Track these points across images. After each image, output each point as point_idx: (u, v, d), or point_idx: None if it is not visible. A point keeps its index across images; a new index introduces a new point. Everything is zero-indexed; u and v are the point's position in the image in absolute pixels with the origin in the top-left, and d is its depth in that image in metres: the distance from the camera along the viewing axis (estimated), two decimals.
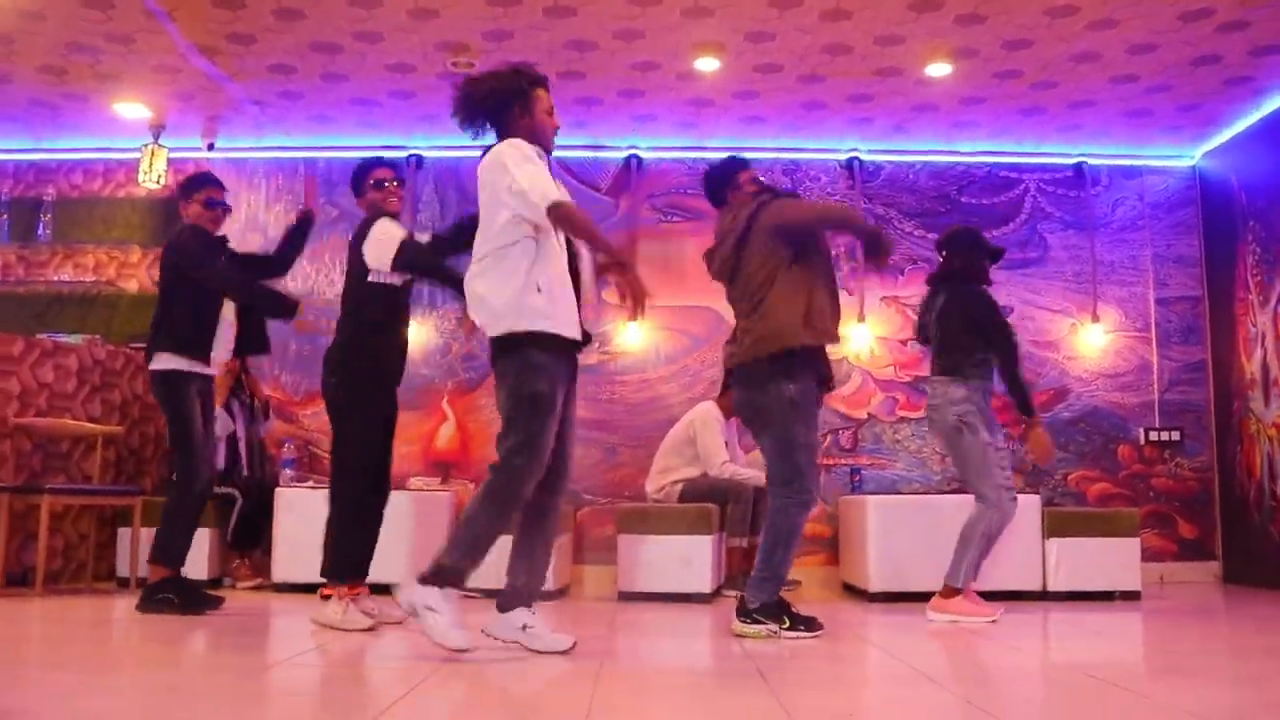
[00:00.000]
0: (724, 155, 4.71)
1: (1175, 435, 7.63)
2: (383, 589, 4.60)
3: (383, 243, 4.53)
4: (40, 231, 7.74)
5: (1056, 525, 6.24)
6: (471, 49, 6.31)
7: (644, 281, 3.62)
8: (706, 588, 6.02)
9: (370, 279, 4.57)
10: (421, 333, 7.44)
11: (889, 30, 6.07)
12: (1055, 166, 7.91)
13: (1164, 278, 7.83)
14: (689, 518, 6.13)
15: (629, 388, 7.65)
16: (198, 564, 6.00)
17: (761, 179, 4.71)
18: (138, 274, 7.78)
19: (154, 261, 7.71)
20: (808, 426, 4.36)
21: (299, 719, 2.73)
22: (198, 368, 5.02)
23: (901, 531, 6.07)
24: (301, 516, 6.16)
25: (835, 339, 4.43)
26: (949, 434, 5.13)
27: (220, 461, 6.40)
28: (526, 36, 6.16)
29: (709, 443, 6.54)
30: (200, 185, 5.21)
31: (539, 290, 3.60)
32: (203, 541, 6.16)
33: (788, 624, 4.27)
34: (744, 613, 4.34)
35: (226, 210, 5.26)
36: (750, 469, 6.43)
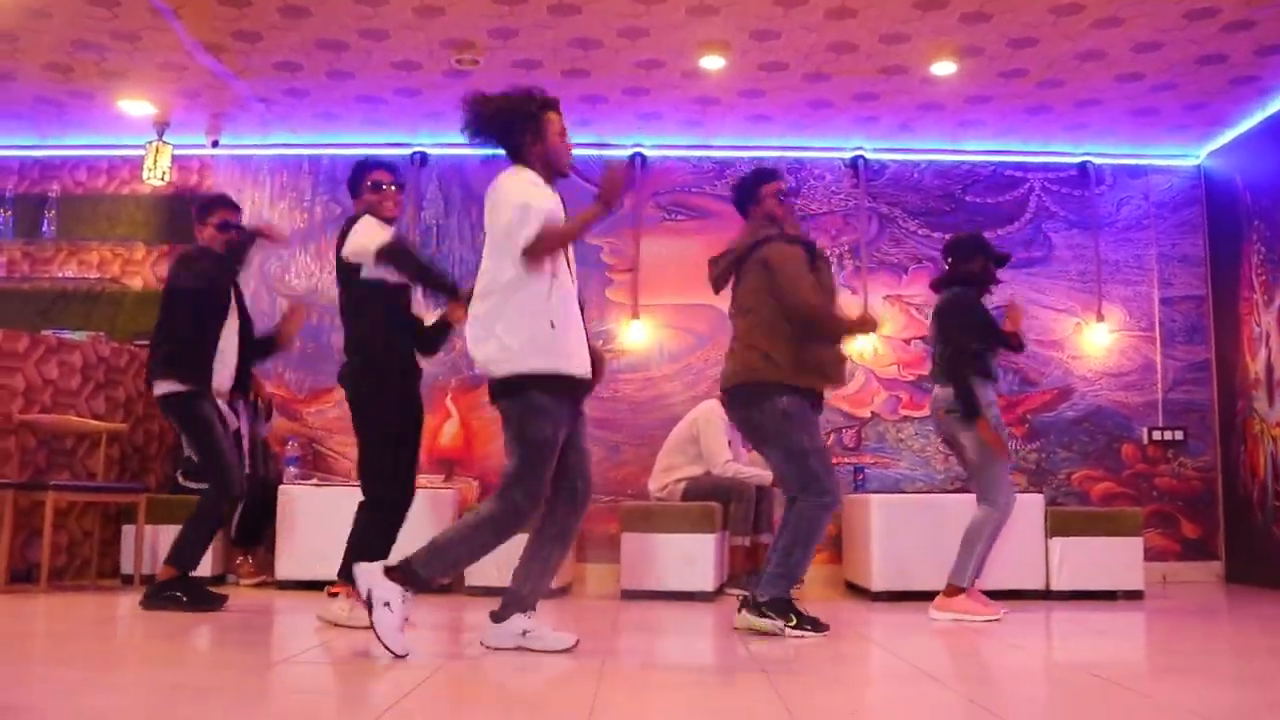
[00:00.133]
0: (730, 155, 4.73)
1: (1179, 435, 7.62)
2: None
3: (369, 234, 4.43)
4: (45, 228, 7.75)
5: (1059, 524, 6.24)
6: (476, 46, 6.31)
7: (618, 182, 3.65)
8: (709, 586, 6.02)
9: (364, 275, 4.46)
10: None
11: (894, 29, 6.07)
12: (1060, 165, 7.90)
13: (1168, 277, 7.82)
14: (692, 516, 6.13)
15: (632, 386, 7.65)
16: (201, 561, 6.00)
17: (783, 192, 4.64)
18: (142, 271, 7.79)
19: (159, 258, 7.73)
20: (808, 433, 4.40)
21: (302, 716, 2.73)
22: (203, 385, 5.04)
23: (905, 531, 6.07)
24: (304, 514, 6.19)
25: (812, 379, 4.43)
26: (951, 435, 5.16)
27: None
28: (531, 34, 6.16)
29: (712, 441, 6.54)
30: (215, 208, 5.23)
31: (553, 327, 3.59)
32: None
33: (794, 622, 4.28)
34: (753, 605, 4.35)
35: (238, 232, 5.20)
36: (753, 468, 6.42)
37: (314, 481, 6.75)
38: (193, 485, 6.21)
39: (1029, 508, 6.22)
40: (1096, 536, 6.20)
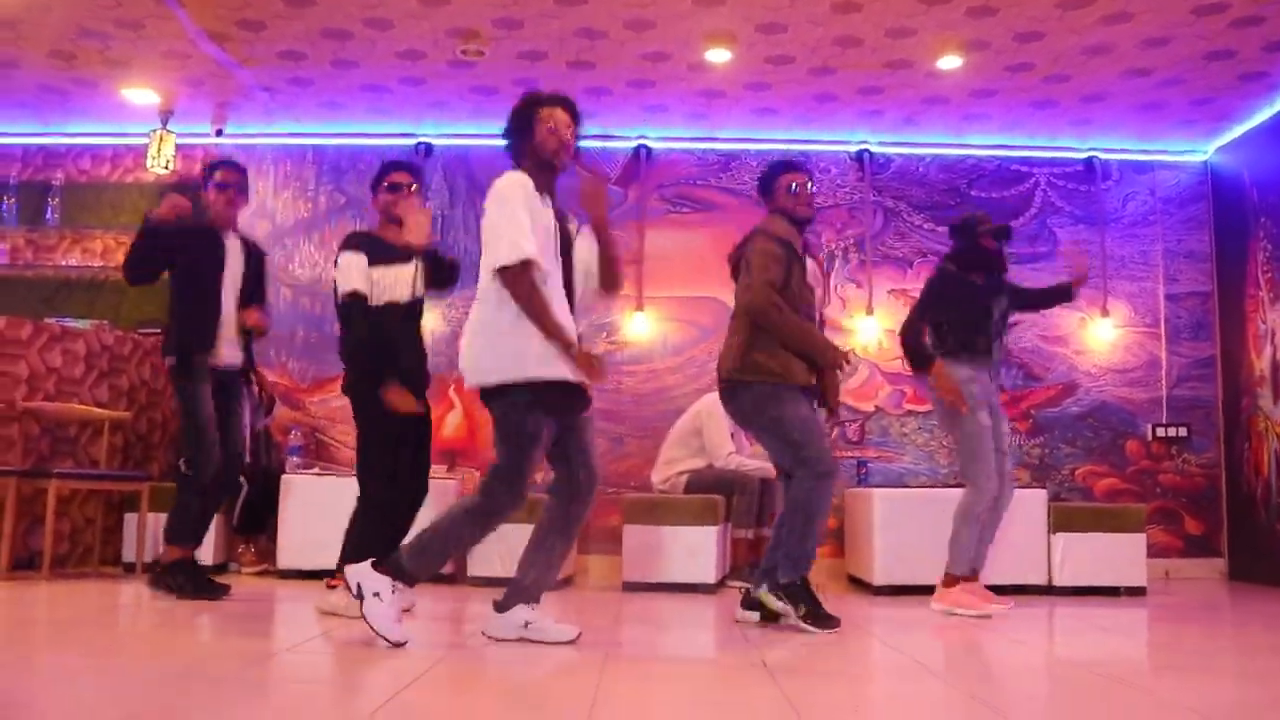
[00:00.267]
0: (735, 148, 4.70)
1: (1183, 431, 7.61)
2: None
3: (345, 276, 4.51)
4: (49, 216, 7.75)
5: (1063, 520, 6.23)
6: (482, 36, 6.30)
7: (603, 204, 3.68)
8: (711, 579, 6.02)
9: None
10: (428, 320, 7.39)
11: (900, 23, 6.05)
12: (1066, 160, 7.89)
13: (1174, 273, 7.81)
14: (694, 508, 6.13)
15: (636, 378, 7.64)
16: (203, 549, 6.01)
17: (797, 184, 4.55)
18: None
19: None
20: (790, 408, 4.33)
21: (303, 706, 2.73)
22: (201, 358, 5.01)
23: (907, 525, 6.06)
24: (307, 503, 6.19)
25: (795, 375, 4.37)
26: (944, 414, 5.22)
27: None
28: (537, 25, 6.15)
29: (715, 434, 6.54)
30: (213, 168, 5.20)
31: (532, 336, 3.59)
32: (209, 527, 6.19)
33: (804, 612, 4.26)
34: (771, 584, 4.35)
35: (236, 192, 5.14)
36: (756, 460, 6.42)
37: (316, 471, 6.76)
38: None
39: (1032, 503, 6.22)
40: (1100, 532, 6.20)
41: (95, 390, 6.47)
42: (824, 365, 4.36)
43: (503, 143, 3.84)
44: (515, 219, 3.57)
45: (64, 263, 7.77)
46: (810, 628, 4.23)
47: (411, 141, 7.71)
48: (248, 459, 6.60)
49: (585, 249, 3.85)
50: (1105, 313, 7.70)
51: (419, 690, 2.84)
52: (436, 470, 6.86)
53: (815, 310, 4.59)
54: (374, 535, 4.45)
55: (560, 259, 3.75)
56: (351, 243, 4.59)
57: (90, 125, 7.73)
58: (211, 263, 5.07)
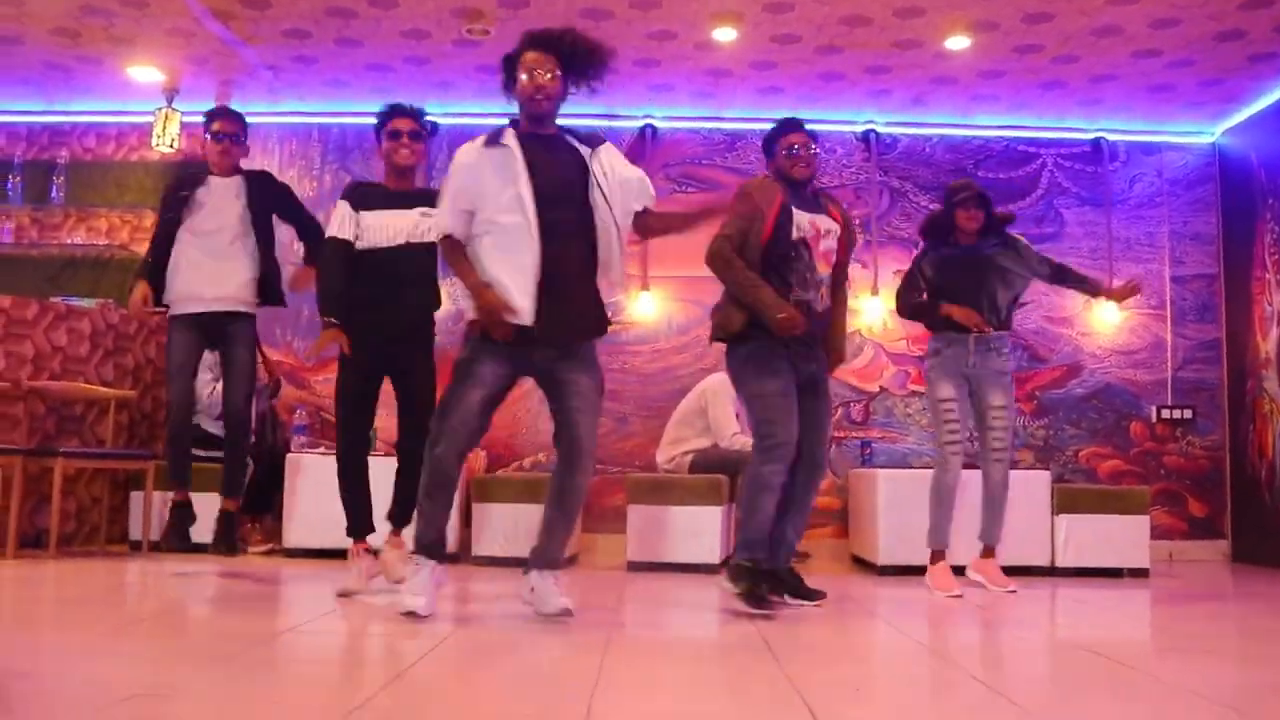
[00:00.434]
0: (741, 127, 4.67)
1: (1188, 413, 7.60)
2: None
3: (332, 222, 4.58)
4: (54, 194, 7.73)
5: (1066, 501, 6.24)
6: (486, 15, 6.27)
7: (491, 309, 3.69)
8: (715, 559, 6.03)
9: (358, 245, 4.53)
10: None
11: (908, 2, 6.01)
12: (1073, 141, 7.85)
13: (1180, 255, 7.78)
14: (699, 489, 6.14)
15: (641, 358, 7.64)
16: (210, 529, 6.03)
17: (795, 147, 4.55)
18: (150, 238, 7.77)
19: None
20: (762, 378, 4.29)
21: (309, 685, 2.74)
22: (175, 308, 5.04)
23: (911, 505, 6.03)
24: (312, 482, 6.19)
25: (723, 327, 4.38)
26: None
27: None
28: (542, 4, 6.11)
29: (720, 414, 6.54)
30: (210, 118, 5.19)
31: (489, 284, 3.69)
32: (215, 506, 6.20)
33: (740, 590, 4.17)
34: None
35: (231, 141, 5.12)
36: None
37: (321, 450, 6.76)
38: (200, 453, 6.23)
39: (1036, 484, 6.23)
40: (1103, 514, 6.20)
41: (101, 369, 6.48)
42: (770, 327, 4.21)
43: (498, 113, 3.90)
44: (444, 198, 3.85)
45: (69, 241, 7.76)
46: (743, 605, 4.16)
47: None
48: (254, 438, 6.66)
49: (619, 187, 3.86)
50: None
51: (423, 670, 2.86)
52: None
53: (810, 269, 4.37)
54: (343, 496, 4.59)
55: (563, 199, 3.77)
56: (344, 192, 4.67)
57: (95, 103, 7.72)
58: (184, 209, 5.07)
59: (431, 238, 4.20)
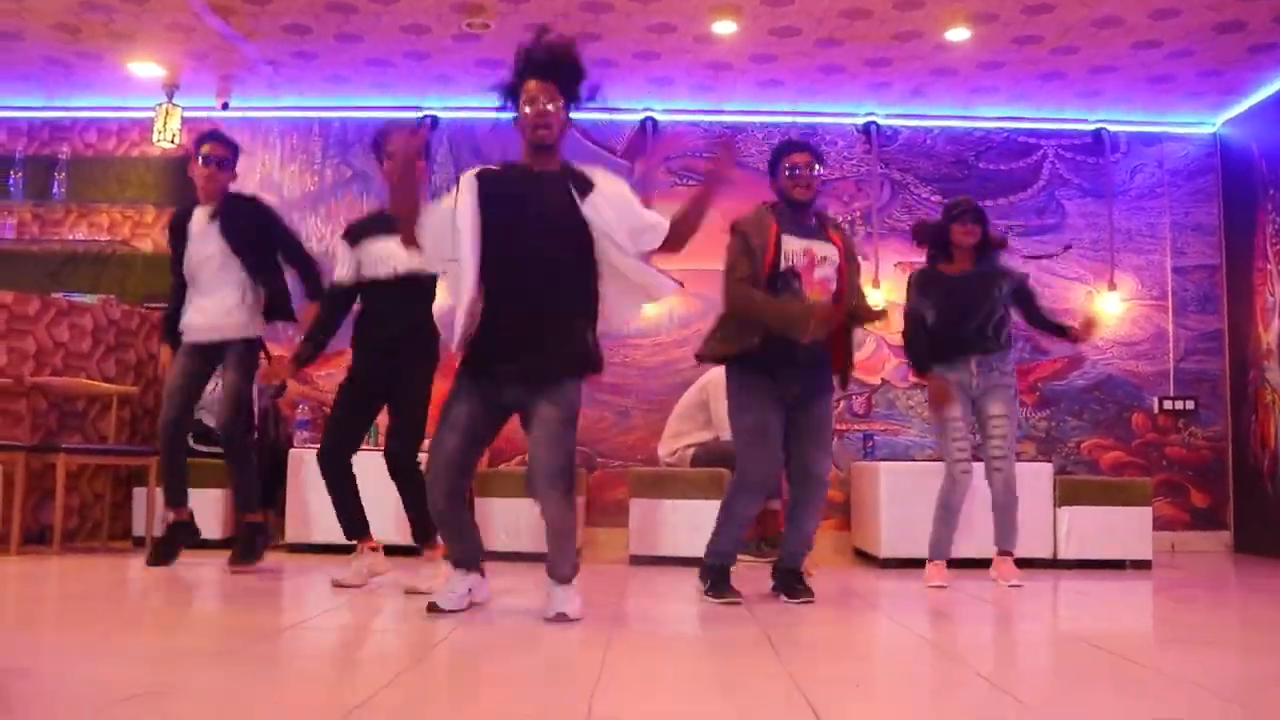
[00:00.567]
0: (741, 120, 4.66)
1: (1190, 404, 7.60)
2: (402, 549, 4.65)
3: (338, 264, 4.69)
4: (55, 190, 7.74)
5: (1069, 493, 6.24)
6: (486, 10, 6.26)
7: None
8: None
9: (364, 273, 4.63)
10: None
11: None
12: (1074, 132, 7.84)
13: (1182, 246, 7.78)
14: (701, 482, 6.14)
15: (642, 351, 7.64)
16: (211, 524, 6.06)
17: (796, 170, 4.40)
18: (152, 233, 7.79)
19: (169, 221, 7.72)
20: (743, 408, 4.36)
21: (311, 682, 2.75)
22: (187, 336, 5.12)
23: (913, 498, 6.05)
24: (315, 478, 6.16)
25: (746, 342, 4.31)
26: None
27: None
28: None
29: (721, 407, 6.46)
30: (199, 141, 5.16)
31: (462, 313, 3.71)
32: (216, 502, 6.24)
33: (705, 586, 4.43)
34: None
35: (218, 167, 5.09)
36: None
37: None
38: (203, 449, 6.25)
39: (1038, 476, 6.22)
40: (1105, 505, 6.21)
41: (103, 365, 6.48)
42: (797, 337, 4.20)
43: (508, 115, 3.83)
44: (426, 234, 3.75)
45: (71, 237, 7.77)
46: (707, 597, 4.36)
47: (417, 115, 7.69)
48: (256, 435, 6.66)
49: (604, 214, 3.77)
50: (1112, 286, 7.68)
51: (425, 668, 2.86)
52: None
53: (797, 298, 4.30)
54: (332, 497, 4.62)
55: (548, 229, 3.70)
56: (342, 232, 4.76)
57: (96, 99, 7.72)
58: (181, 247, 5.14)
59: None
